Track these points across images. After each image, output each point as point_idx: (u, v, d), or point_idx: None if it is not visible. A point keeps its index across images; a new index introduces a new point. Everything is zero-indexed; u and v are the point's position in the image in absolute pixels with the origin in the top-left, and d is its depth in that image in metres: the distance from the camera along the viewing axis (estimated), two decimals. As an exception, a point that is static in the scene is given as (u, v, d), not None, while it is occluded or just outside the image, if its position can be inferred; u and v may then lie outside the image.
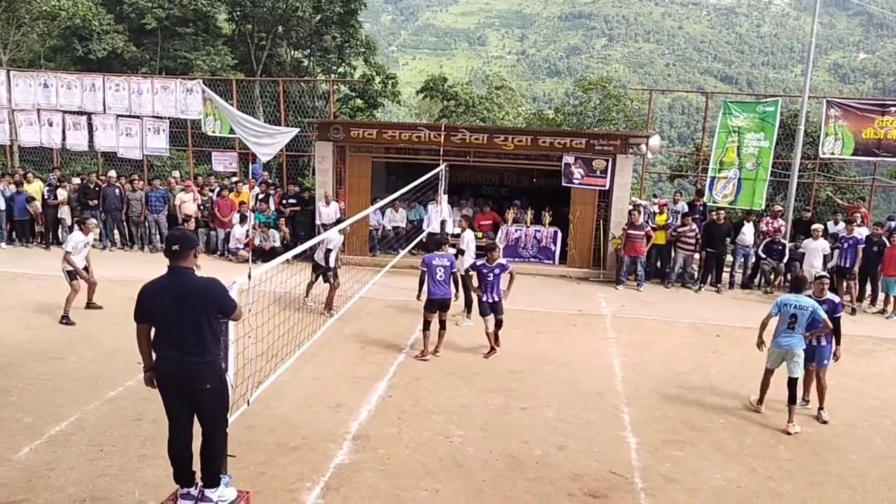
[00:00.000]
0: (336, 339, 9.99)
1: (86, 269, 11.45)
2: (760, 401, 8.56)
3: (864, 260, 13.71)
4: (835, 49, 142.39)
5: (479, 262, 10.39)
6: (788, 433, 7.91)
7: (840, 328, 8.47)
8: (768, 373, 8.47)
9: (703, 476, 6.96)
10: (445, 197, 14.64)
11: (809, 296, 8.32)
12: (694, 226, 14.97)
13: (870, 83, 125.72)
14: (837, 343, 8.43)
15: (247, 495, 5.32)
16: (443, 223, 14.23)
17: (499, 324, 10.20)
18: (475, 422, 7.93)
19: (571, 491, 6.54)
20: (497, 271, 10.11)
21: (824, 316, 8.05)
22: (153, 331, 5.10)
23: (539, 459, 7.12)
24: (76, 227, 11.76)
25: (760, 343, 8.46)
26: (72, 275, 11.11)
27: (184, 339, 4.95)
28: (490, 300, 10.10)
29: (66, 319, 10.90)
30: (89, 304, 11.57)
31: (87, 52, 29.65)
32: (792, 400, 8.05)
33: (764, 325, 8.44)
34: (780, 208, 15.87)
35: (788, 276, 15.01)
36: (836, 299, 8.49)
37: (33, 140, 19.61)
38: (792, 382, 8.05)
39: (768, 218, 15.60)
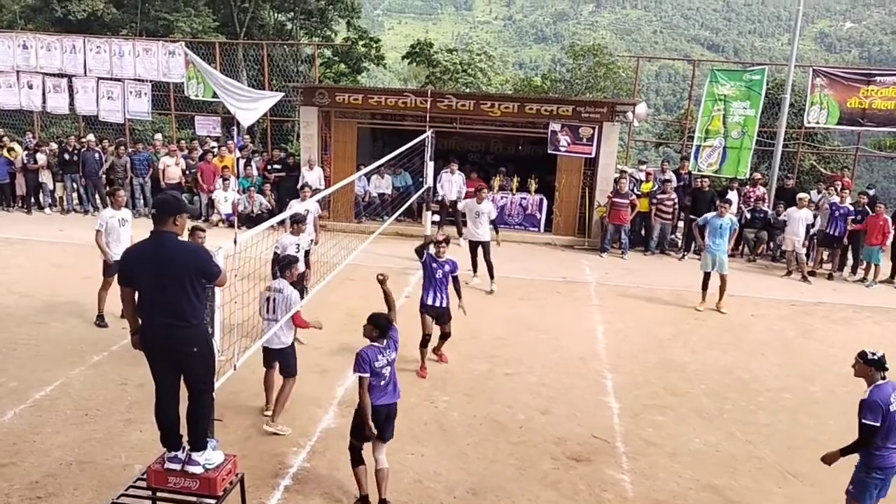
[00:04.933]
0: (322, 307, 9.98)
1: None
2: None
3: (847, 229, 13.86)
4: (821, 17, 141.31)
5: (429, 253, 8.58)
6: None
7: None
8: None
9: (683, 440, 7.10)
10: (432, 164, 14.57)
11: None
12: (673, 194, 15.03)
13: (856, 52, 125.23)
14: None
15: (234, 459, 5.35)
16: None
17: (445, 336, 8.71)
18: (460, 387, 8.02)
19: (555, 455, 6.65)
20: (447, 269, 8.51)
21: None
22: (137, 295, 5.07)
23: (523, 424, 7.23)
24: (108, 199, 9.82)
25: None
26: (106, 266, 9.40)
27: (168, 304, 4.92)
28: (437, 303, 8.46)
29: (99, 320, 9.40)
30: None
31: (66, 14, 28.95)
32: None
33: None
34: (760, 176, 15.95)
35: (771, 245, 15.16)
36: None
37: (12, 103, 19.24)
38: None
39: (749, 186, 15.63)
